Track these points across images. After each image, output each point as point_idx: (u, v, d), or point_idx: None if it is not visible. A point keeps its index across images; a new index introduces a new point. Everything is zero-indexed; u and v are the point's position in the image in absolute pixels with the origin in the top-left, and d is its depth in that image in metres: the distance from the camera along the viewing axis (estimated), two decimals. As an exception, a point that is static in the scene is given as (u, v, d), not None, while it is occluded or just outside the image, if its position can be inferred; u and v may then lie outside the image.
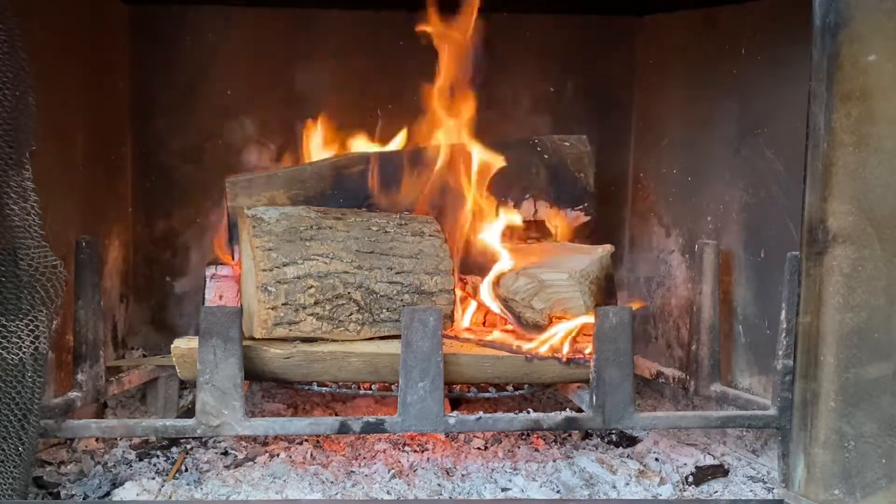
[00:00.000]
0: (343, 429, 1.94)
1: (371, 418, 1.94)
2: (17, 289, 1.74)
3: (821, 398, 1.76)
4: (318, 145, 2.60)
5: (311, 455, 2.19)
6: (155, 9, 2.70)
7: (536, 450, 2.26)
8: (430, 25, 2.42)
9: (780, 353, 1.96)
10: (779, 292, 1.97)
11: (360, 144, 2.59)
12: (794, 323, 1.88)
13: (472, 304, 2.39)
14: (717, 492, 2.10)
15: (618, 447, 2.30)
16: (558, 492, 2.04)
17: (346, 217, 2.16)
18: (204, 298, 2.41)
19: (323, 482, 2.06)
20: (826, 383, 1.75)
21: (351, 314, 2.06)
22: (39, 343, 1.77)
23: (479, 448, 2.26)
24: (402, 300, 2.08)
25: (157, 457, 2.17)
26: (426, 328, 1.91)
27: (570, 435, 2.35)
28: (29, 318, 1.75)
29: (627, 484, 2.08)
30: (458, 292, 2.27)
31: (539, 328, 2.20)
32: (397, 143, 2.56)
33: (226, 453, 2.20)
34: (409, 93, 2.56)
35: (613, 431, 2.34)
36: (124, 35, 2.69)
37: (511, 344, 2.18)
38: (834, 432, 1.75)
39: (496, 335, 2.27)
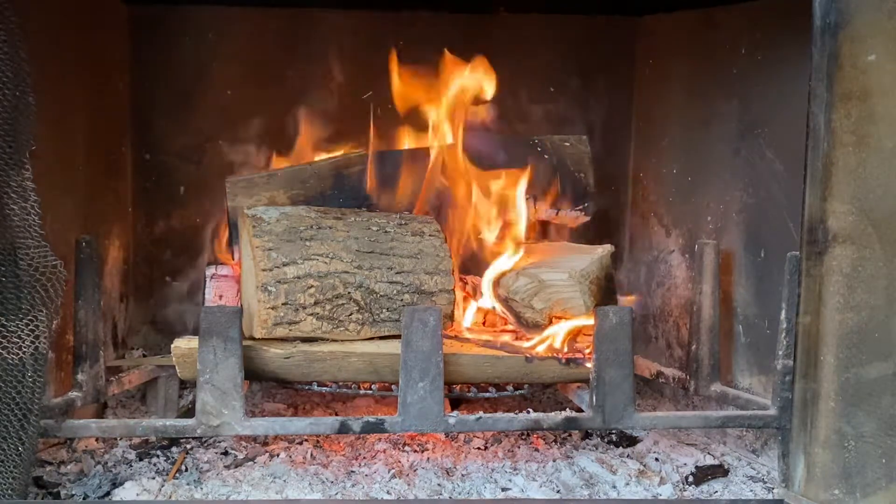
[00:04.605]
0: (343, 429, 1.94)
1: (371, 418, 1.94)
2: (17, 289, 1.74)
3: (821, 398, 1.76)
4: (317, 145, 2.61)
5: (311, 455, 2.19)
6: (155, 9, 2.70)
7: (536, 450, 2.26)
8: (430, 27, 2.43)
9: (780, 353, 1.95)
10: (779, 292, 1.97)
11: (360, 144, 2.59)
12: (794, 323, 1.88)
13: (472, 304, 2.39)
14: (717, 492, 2.10)
15: (618, 447, 2.30)
16: (558, 492, 2.04)
17: (346, 217, 2.16)
18: (204, 298, 2.41)
19: (323, 482, 2.06)
20: (826, 383, 1.75)
21: (351, 314, 2.06)
22: (39, 343, 1.77)
23: (479, 448, 2.26)
24: (402, 300, 2.08)
25: (157, 457, 2.17)
26: (426, 328, 1.91)
27: (570, 435, 2.35)
28: (29, 318, 1.75)
29: (627, 484, 2.09)
30: (458, 292, 2.27)
31: (539, 328, 2.20)
32: (397, 143, 2.56)
33: (226, 453, 2.20)
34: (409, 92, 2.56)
35: (613, 431, 2.34)
36: (124, 35, 2.69)
37: (511, 344, 2.18)
38: (834, 432, 1.75)
39: (496, 335, 2.28)
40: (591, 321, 2.05)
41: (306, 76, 2.74)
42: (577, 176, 2.49)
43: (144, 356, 2.71)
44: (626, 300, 2.45)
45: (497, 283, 2.26)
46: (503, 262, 2.30)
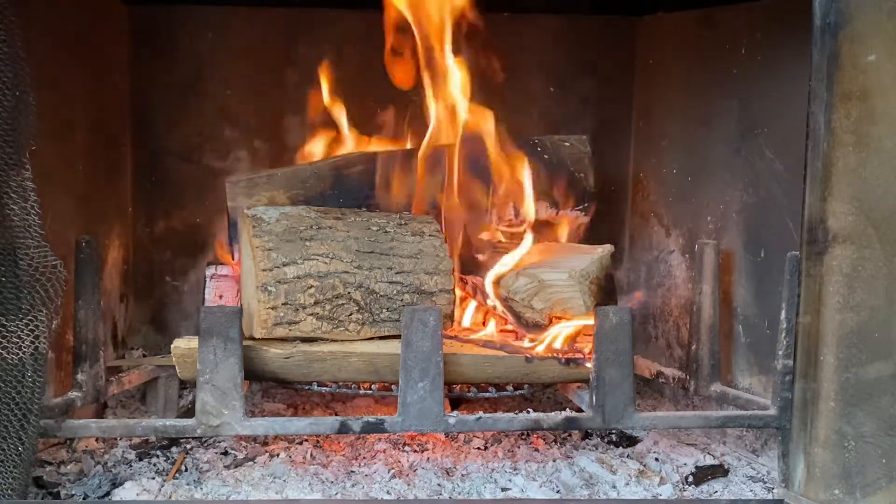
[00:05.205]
0: (343, 429, 1.94)
1: (371, 418, 1.94)
2: (17, 289, 1.74)
3: (821, 398, 1.76)
4: (318, 145, 2.61)
5: (311, 455, 2.19)
6: (155, 9, 2.70)
7: (536, 450, 2.26)
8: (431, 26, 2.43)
9: (780, 353, 1.95)
10: (779, 292, 1.97)
11: (360, 144, 2.59)
12: (794, 323, 1.88)
13: (472, 304, 2.39)
14: (717, 492, 2.10)
15: (618, 447, 2.30)
16: (558, 492, 2.04)
17: (346, 217, 2.16)
18: (204, 298, 2.41)
19: (323, 482, 2.06)
20: (826, 383, 1.75)
21: (351, 314, 2.06)
22: (39, 343, 1.77)
23: (479, 448, 2.26)
24: (402, 300, 2.08)
25: (157, 457, 2.17)
26: (426, 328, 1.91)
27: (570, 435, 2.35)
28: (29, 318, 1.75)
29: (627, 484, 2.08)
30: (458, 292, 2.27)
31: (539, 328, 2.20)
32: (397, 143, 2.57)
33: (226, 453, 2.20)
34: (409, 92, 2.56)
35: (613, 431, 2.34)
36: (124, 35, 2.69)
37: (511, 344, 2.18)
38: (834, 432, 1.75)
39: (496, 335, 2.28)
40: (591, 321, 2.05)
41: (306, 75, 2.74)
42: (577, 176, 2.49)
43: (144, 356, 2.71)
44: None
45: (497, 283, 2.26)
46: (503, 262, 2.30)
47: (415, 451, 2.23)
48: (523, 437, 2.33)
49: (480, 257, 2.39)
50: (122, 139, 2.71)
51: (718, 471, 2.17)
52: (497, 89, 2.54)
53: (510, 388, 2.16)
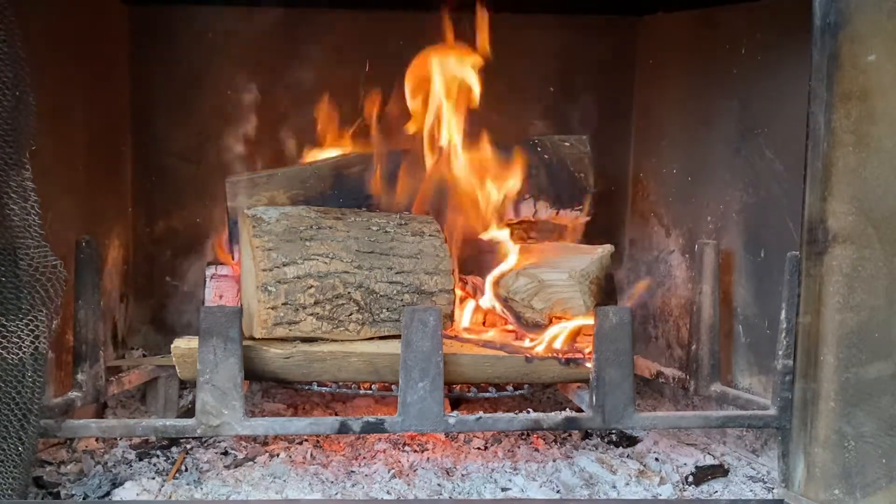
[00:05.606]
0: (343, 429, 1.94)
1: (371, 418, 1.94)
2: (17, 289, 1.74)
3: (821, 398, 1.76)
4: (318, 145, 2.61)
5: (311, 455, 2.19)
6: (155, 9, 2.70)
7: (536, 450, 2.26)
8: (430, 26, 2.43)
9: (780, 353, 1.95)
10: (779, 292, 1.97)
11: (360, 144, 2.59)
12: (794, 323, 1.88)
13: (472, 304, 2.39)
14: (717, 492, 2.10)
15: (618, 447, 2.30)
16: (558, 492, 2.04)
17: (346, 217, 2.16)
18: (204, 298, 2.41)
19: (323, 482, 2.06)
20: (826, 383, 1.76)
21: (351, 314, 2.06)
22: (39, 343, 1.77)
23: (479, 448, 2.26)
24: (402, 300, 2.08)
25: (157, 457, 2.17)
26: (426, 328, 1.91)
27: (570, 435, 2.35)
28: (29, 318, 1.75)
29: (627, 484, 2.09)
30: (458, 292, 2.27)
31: (539, 328, 2.20)
32: (397, 143, 2.56)
33: (226, 453, 2.20)
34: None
35: (613, 431, 2.34)
36: (124, 35, 2.69)
37: (511, 344, 2.18)
38: (834, 432, 1.75)
39: (496, 335, 2.28)
40: (591, 321, 2.05)
41: (306, 75, 2.74)
42: (577, 176, 2.49)
43: (144, 356, 2.71)
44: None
45: (497, 282, 2.26)
46: (503, 262, 2.30)
47: (415, 451, 2.23)
48: (523, 437, 2.33)
49: (481, 257, 2.39)
50: (122, 139, 2.71)
51: (718, 471, 2.17)
52: (497, 89, 2.54)
53: (510, 388, 2.16)
